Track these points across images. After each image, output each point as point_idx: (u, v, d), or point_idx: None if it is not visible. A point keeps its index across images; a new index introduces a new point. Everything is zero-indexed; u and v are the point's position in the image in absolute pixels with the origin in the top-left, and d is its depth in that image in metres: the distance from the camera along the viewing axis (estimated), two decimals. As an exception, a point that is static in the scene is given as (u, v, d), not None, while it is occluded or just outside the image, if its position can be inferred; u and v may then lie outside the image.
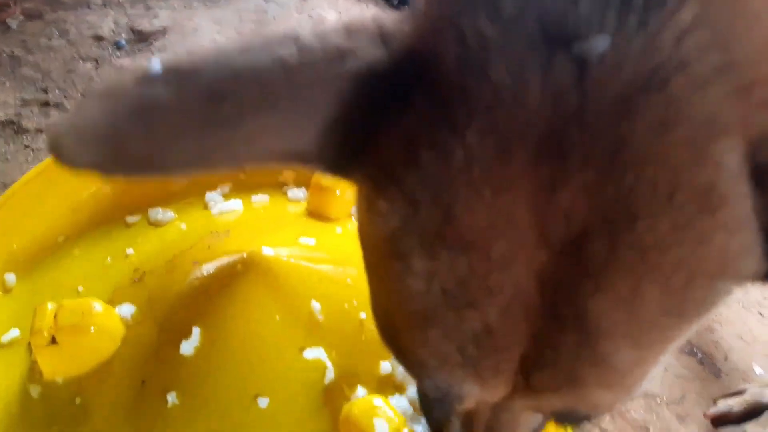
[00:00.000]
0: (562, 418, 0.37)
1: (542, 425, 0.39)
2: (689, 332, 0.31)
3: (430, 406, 0.36)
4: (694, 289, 0.27)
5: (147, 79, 0.27)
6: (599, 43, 0.25)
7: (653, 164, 0.25)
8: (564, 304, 0.27)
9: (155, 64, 0.27)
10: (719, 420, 0.76)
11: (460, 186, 0.26)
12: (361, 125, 0.29)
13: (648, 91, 0.25)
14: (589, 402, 0.32)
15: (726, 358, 0.85)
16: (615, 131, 0.25)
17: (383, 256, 0.31)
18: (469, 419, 0.37)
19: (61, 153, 0.27)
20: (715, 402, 0.78)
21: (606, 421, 0.75)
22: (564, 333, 0.28)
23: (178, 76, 0.28)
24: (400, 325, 0.32)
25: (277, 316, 0.59)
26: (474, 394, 0.32)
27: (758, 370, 0.82)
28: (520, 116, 0.25)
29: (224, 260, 0.62)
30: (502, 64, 0.25)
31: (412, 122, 0.28)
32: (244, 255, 0.61)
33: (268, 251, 0.62)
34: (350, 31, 0.29)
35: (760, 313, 0.89)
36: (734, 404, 0.76)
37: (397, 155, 0.28)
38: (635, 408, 0.77)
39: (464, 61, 0.26)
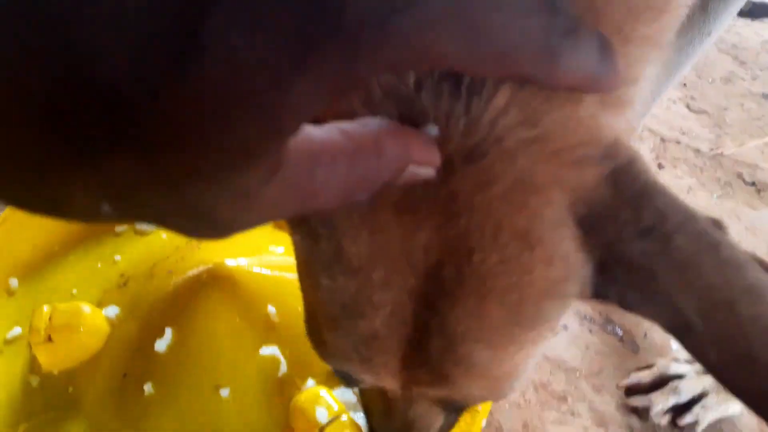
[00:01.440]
0: (446, 406, 0.41)
1: (454, 419, 0.45)
2: (543, 336, 0.35)
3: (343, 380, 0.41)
4: (526, 306, 0.31)
5: None
6: (432, 129, 0.29)
7: (479, 213, 0.30)
8: (430, 317, 0.32)
9: None
10: (630, 390, 0.78)
11: (347, 228, 0.31)
12: None
13: (470, 161, 0.29)
14: (461, 393, 0.36)
15: (645, 336, 0.86)
16: (447, 189, 0.30)
17: (302, 274, 0.36)
18: (388, 405, 0.42)
19: None
20: (629, 374, 0.80)
21: (530, 392, 0.78)
22: (431, 339, 0.33)
23: None
24: (316, 326, 0.37)
25: (237, 319, 0.63)
26: (369, 381, 0.37)
27: (674, 345, 0.83)
28: None
29: (193, 270, 0.65)
30: None
31: None
32: (210, 266, 0.65)
33: (230, 262, 0.65)
34: None
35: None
36: (644, 376, 0.78)
37: None
38: (557, 381, 0.80)
39: None
